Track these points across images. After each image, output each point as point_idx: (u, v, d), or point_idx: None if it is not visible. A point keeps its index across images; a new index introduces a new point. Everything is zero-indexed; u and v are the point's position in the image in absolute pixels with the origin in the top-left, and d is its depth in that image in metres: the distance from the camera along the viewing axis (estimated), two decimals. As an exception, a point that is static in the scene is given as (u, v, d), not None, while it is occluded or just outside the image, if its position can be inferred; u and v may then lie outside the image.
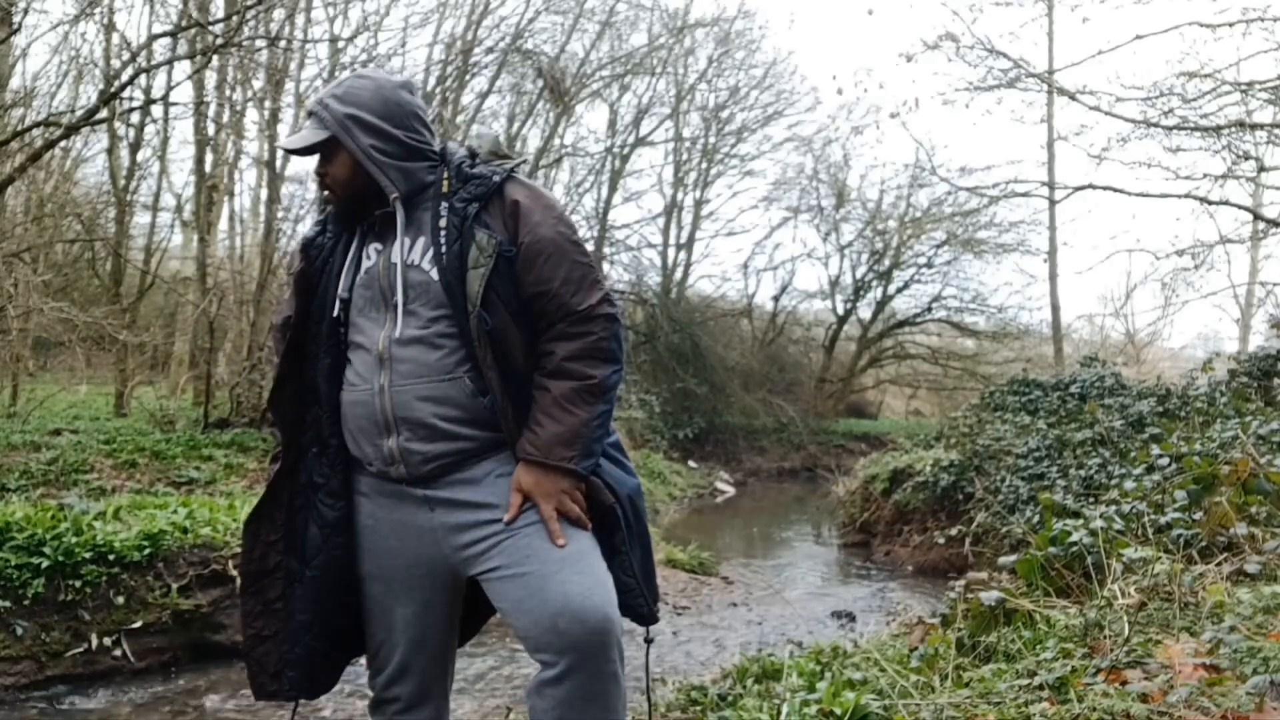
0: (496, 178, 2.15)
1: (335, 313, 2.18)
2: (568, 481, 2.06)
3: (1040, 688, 2.40)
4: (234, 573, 5.58)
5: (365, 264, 2.19)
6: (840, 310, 25.67)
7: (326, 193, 2.24)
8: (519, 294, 2.10)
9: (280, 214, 12.25)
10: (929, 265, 24.72)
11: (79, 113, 9.50)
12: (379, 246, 2.19)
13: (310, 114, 2.18)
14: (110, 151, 13.92)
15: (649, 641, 2.25)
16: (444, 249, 2.10)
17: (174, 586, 5.41)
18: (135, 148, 13.99)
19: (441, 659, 2.24)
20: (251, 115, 13.13)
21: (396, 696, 2.19)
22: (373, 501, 2.17)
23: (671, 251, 23.71)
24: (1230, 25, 9.50)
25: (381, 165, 2.14)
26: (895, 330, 25.85)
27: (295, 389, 2.21)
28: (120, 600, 5.22)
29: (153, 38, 10.33)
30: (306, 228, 2.43)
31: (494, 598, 2.08)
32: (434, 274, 2.10)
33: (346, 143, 2.13)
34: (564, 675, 1.94)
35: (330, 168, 2.17)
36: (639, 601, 2.13)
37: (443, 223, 2.13)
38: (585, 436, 2.07)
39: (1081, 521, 3.69)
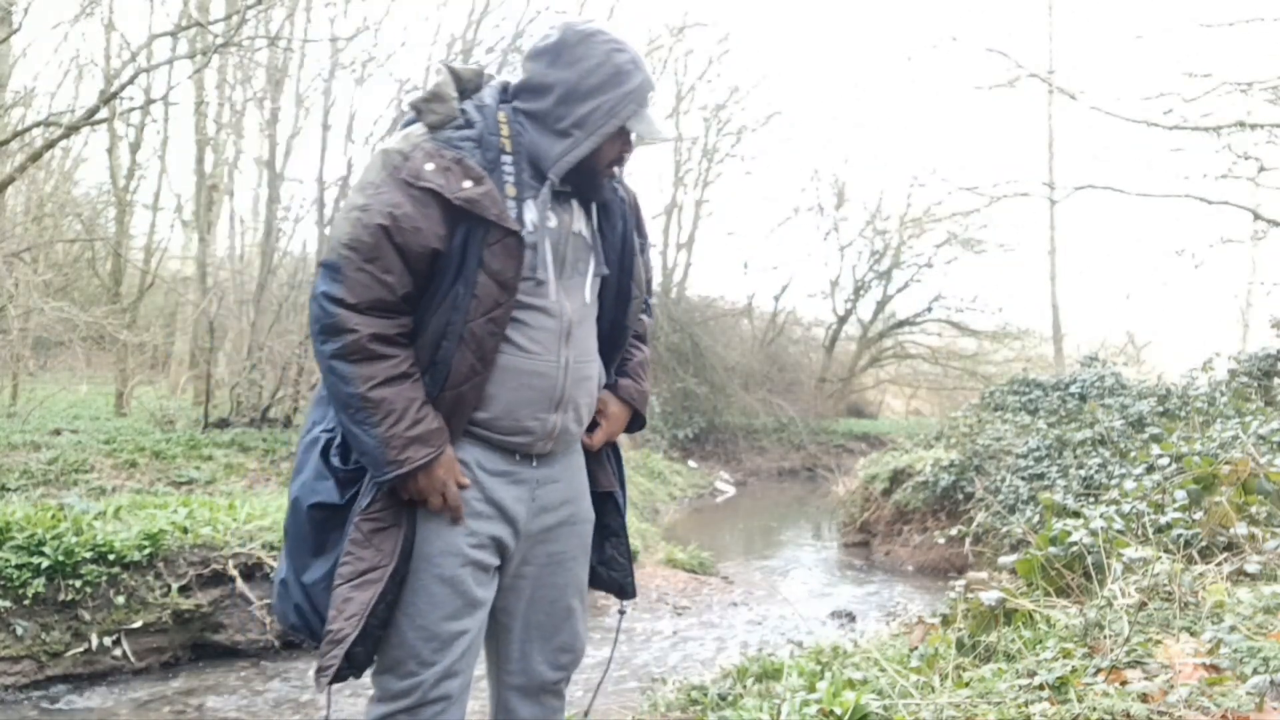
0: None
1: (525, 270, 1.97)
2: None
3: (1040, 688, 2.40)
4: (233, 572, 5.58)
5: (550, 222, 2.03)
6: (840, 310, 25.67)
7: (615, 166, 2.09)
8: None
9: (280, 214, 12.20)
10: (929, 265, 24.74)
11: (79, 113, 9.49)
12: (554, 207, 2.07)
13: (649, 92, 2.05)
14: (110, 151, 13.91)
15: (622, 613, 2.42)
16: (596, 227, 2.12)
17: (174, 586, 5.40)
18: (135, 148, 13.99)
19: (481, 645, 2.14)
20: (251, 115, 13.13)
21: (448, 694, 1.98)
22: (483, 484, 2.00)
23: (671, 251, 23.69)
24: (1230, 25, 9.50)
25: None
26: (895, 330, 25.84)
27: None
28: (120, 600, 5.22)
29: (153, 38, 10.31)
30: (422, 135, 1.97)
31: (508, 598, 2.13)
32: (599, 249, 2.13)
33: None
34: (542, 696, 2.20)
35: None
36: (628, 581, 2.31)
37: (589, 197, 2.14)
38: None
39: (1081, 521, 3.68)
